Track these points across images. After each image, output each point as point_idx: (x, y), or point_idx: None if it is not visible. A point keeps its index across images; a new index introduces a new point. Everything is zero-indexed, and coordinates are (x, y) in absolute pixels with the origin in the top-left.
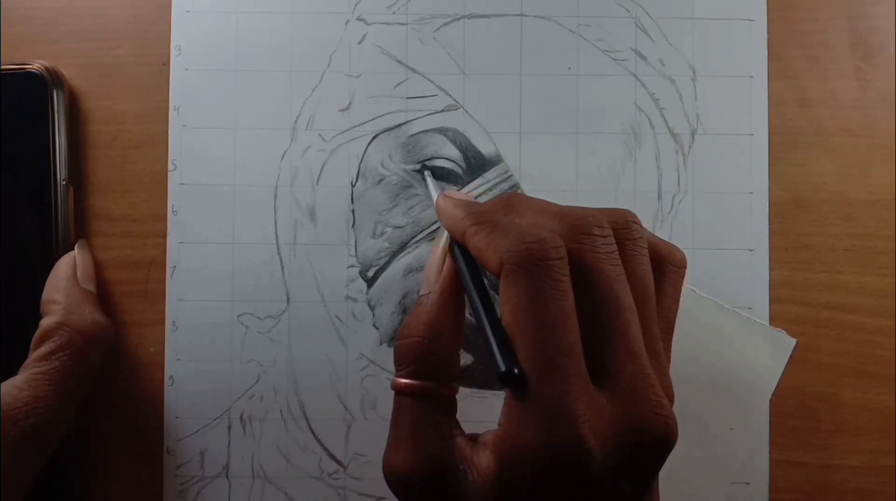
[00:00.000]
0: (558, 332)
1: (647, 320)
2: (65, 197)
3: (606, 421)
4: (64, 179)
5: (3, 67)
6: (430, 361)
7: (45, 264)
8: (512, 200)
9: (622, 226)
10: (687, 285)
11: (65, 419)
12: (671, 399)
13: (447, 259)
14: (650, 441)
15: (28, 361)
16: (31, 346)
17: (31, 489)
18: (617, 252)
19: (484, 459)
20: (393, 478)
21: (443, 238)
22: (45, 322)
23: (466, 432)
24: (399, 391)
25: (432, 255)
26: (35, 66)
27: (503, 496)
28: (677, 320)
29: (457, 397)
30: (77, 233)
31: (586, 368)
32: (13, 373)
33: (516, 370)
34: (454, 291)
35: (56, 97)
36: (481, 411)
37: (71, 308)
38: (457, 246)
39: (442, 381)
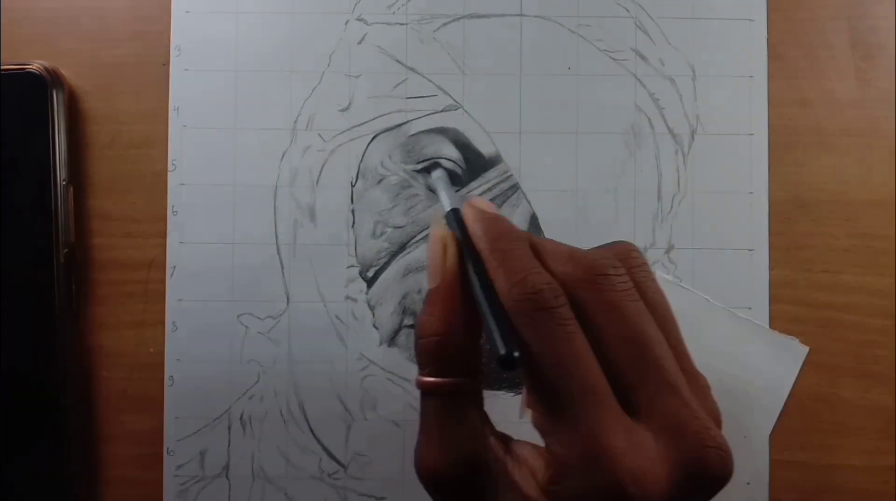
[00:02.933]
0: (579, 370)
1: (676, 342)
2: (65, 197)
3: (654, 461)
4: (64, 180)
5: (3, 67)
6: (452, 356)
7: (45, 264)
8: (520, 234)
9: (624, 256)
10: (699, 294)
11: None
12: (718, 422)
13: (449, 249)
14: (705, 477)
15: None
16: None
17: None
18: (633, 288)
19: (526, 481)
20: (426, 476)
21: (439, 227)
22: None
23: None
24: (425, 391)
25: (432, 248)
26: (35, 66)
27: None
28: (675, 314)
29: None
30: (77, 233)
31: (622, 409)
32: (13, 373)
33: (516, 354)
34: (461, 280)
35: (56, 97)
36: None
37: None
38: (457, 225)
39: (466, 375)
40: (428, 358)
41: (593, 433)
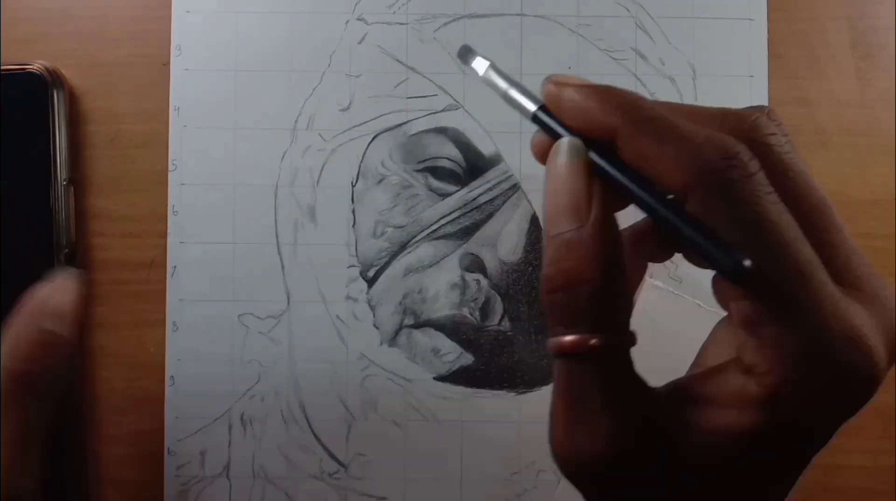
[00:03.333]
0: (798, 243)
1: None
2: (65, 197)
3: (877, 333)
4: (64, 180)
5: (3, 67)
6: (610, 308)
7: (46, 263)
8: (644, 99)
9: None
10: (690, 299)
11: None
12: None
13: (583, 177)
14: None
15: None
16: None
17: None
18: (795, 147)
19: (728, 416)
20: (579, 463)
21: (562, 153)
22: None
23: (468, 439)
24: (573, 355)
25: (557, 180)
26: (35, 66)
27: (771, 434)
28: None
29: (457, 398)
30: (77, 233)
31: None
32: None
33: (747, 262)
34: (611, 217)
35: (56, 97)
36: (482, 412)
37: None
38: (599, 156)
39: (617, 331)
40: (575, 313)
41: (834, 310)
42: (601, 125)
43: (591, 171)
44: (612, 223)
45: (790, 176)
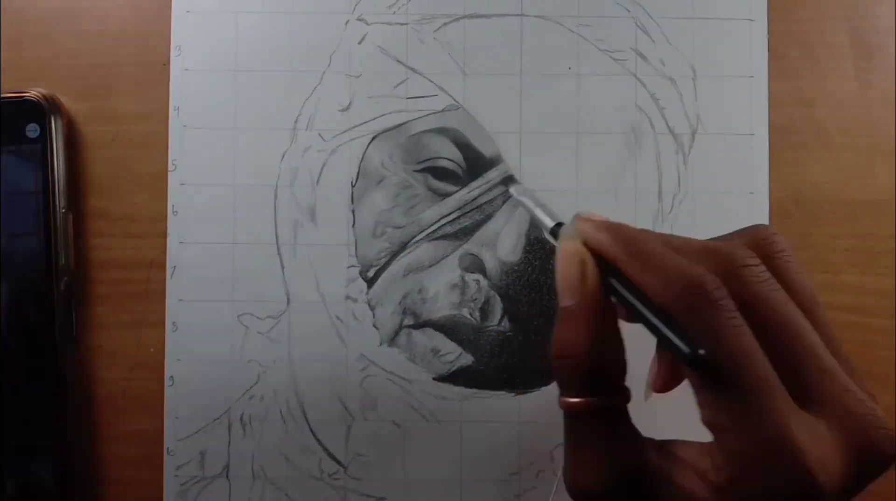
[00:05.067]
0: (755, 363)
1: (823, 326)
2: (64, 226)
3: (831, 450)
4: (63, 208)
5: (1, 95)
6: (601, 374)
7: (46, 292)
8: (647, 233)
9: (765, 243)
10: None
11: None
12: (875, 401)
13: (588, 265)
14: (879, 459)
15: None
16: None
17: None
18: (772, 278)
19: (694, 484)
20: (585, 495)
21: (570, 242)
22: None
23: (468, 439)
24: (573, 413)
25: (566, 264)
26: (33, 94)
27: None
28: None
29: (456, 398)
30: (77, 261)
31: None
32: (12, 397)
33: (701, 351)
34: (602, 296)
35: (54, 125)
36: (482, 411)
37: None
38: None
39: (612, 392)
40: (572, 379)
41: (778, 426)
42: (607, 252)
43: (586, 260)
44: (607, 302)
45: (760, 304)
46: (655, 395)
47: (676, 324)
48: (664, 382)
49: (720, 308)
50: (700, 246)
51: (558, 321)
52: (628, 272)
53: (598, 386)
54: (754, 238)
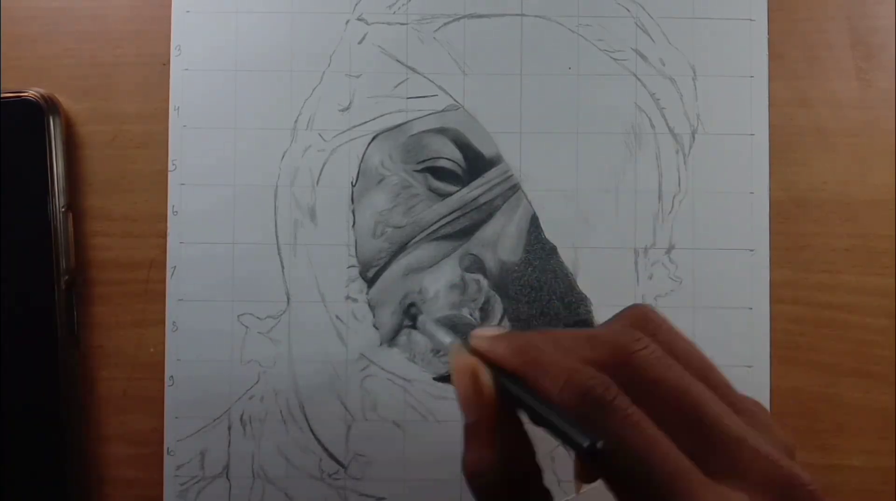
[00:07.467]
0: (662, 455)
1: (718, 383)
2: (64, 224)
3: None
4: (63, 207)
5: (0, 95)
6: (514, 483)
7: (46, 291)
8: (536, 337)
9: (643, 322)
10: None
11: None
12: (791, 450)
13: (482, 377)
14: None
15: None
16: None
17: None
18: (664, 354)
19: None
20: None
21: (461, 357)
22: None
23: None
24: None
25: (460, 380)
26: (31, 93)
27: None
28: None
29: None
30: (77, 261)
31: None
32: (12, 399)
33: (600, 443)
34: (503, 406)
35: (53, 124)
36: None
37: None
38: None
39: (533, 492)
40: (491, 494)
41: None
42: (504, 363)
43: (479, 372)
44: (511, 411)
45: (658, 386)
46: (585, 486)
47: (564, 415)
48: (588, 472)
49: (614, 408)
50: (587, 340)
51: (465, 440)
52: (527, 381)
53: (517, 495)
54: (635, 317)
